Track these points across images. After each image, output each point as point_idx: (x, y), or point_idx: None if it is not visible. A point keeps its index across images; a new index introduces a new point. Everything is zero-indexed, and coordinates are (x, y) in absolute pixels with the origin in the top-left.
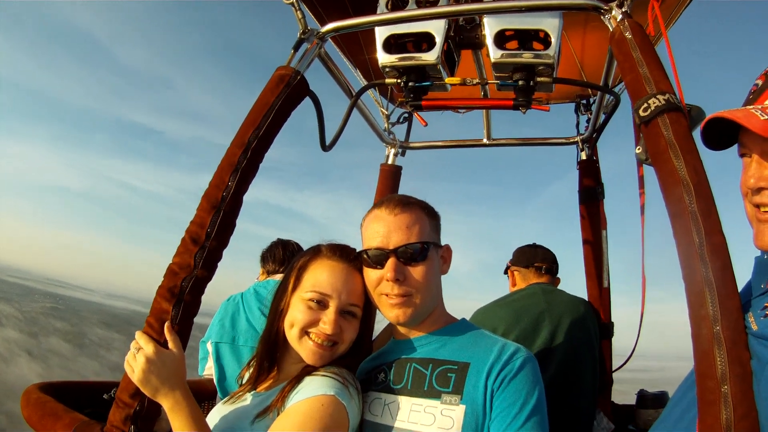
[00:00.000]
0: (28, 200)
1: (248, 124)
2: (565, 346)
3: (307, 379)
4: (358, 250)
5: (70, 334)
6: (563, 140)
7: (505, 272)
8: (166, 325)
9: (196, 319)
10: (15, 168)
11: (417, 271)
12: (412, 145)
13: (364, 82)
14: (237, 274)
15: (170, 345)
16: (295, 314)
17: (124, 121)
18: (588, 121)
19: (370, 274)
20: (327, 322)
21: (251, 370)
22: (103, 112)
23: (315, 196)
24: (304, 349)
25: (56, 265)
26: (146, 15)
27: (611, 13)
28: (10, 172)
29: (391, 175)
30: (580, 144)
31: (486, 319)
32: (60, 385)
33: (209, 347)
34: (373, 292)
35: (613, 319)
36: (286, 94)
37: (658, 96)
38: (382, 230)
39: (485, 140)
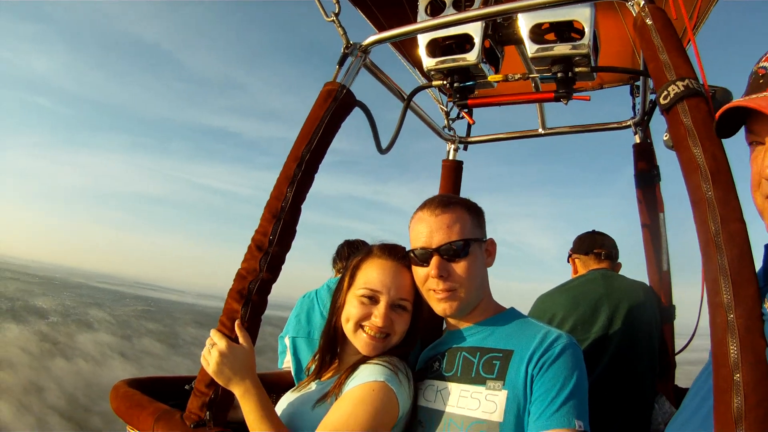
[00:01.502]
0: (108, 208)
1: (301, 139)
2: (623, 330)
3: (362, 367)
4: (407, 249)
5: (162, 335)
6: (616, 125)
7: (568, 261)
8: (237, 323)
9: (278, 313)
10: (91, 178)
11: (460, 267)
12: (471, 139)
13: (422, 80)
14: (320, 267)
15: (240, 340)
16: (350, 309)
17: (199, 126)
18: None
19: (418, 272)
20: (378, 315)
21: (316, 362)
22: (177, 120)
23: (399, 187)
24: (359, 341)
25: (145, 269)
26: (209, 20)
27: None
28: (86, 182)
29: (453, 171)
30: (633, 127)
31: (545, 305)
32: (146, 380)
33: (287, 342)
34: (421, 288)
35: (679, 302)
36: (335, 108)
37: (677, 82)
38: (425, 230)
39: (540, 130)
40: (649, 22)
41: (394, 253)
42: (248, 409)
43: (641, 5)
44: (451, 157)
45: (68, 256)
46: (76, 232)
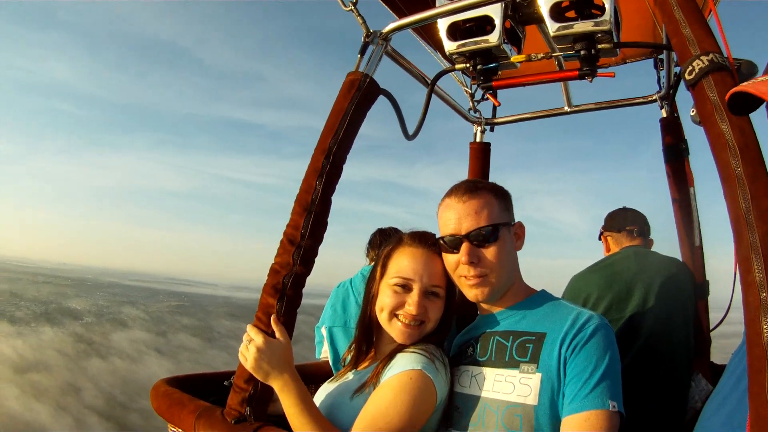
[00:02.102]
0: (136, 207)
1: (327, 131)
2: (659, 308)
3: (398, 356)
4: (436, 237)
5: (197, 329)
6: (642, 99)
7: (599, 239)
8: (273, 317)
9: (313, 302)
10: (118, 178)
11: (490, 252)
12: (497, 120)
13: (444, 64)
14: (353, 253)
15: (277, 335)
16: (384, 299)
17: (223, 120)
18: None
19: (449, 259)
20: (412, 303)
21: (352, 352)
22: (200, 115)
23: (425, 169)
24: (394, 330)
25: (177, 265)
26: (222, 13)
27: None
28: (114, 183)
29: (481, 153)
30: (659, 102)
31: (580, 286)
32: (185, 378)
33: (323, 332)
34: (452, 274)
35: (711, 276)
36: (359, 98)
37: (701, 57)
38: (453, 217)
39: (566, 108)
40: None
41: (425, 240)
42: (288, 402)
43: None
44: (478, 139)
45: (100, 257)
46: (106, 233)
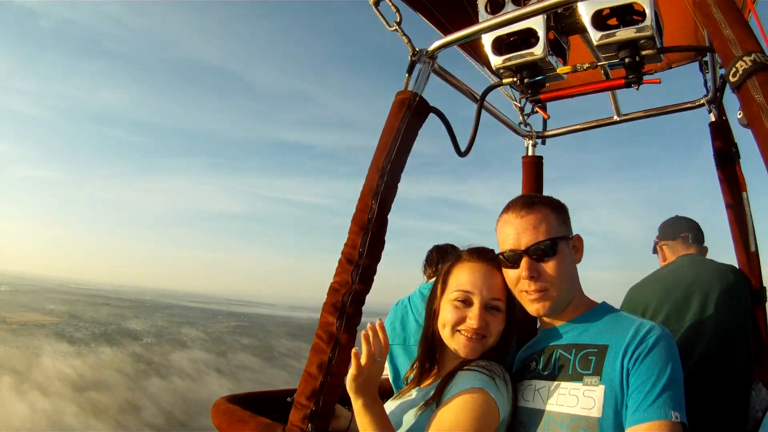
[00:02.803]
0: (192, 230)
1: (380, 150)
2: (717, 316)
3: (460, 374)
4: (496, 252)
5: (257, 349)
6: (690, 104)
7: (654, 250)
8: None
9: (372, 320)
10: (172, 202)
11: (550, 266)
12: (548, 133)
13: (492, 78)
14: (410, 270)
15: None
16: (445, 315)
17: (274, 142)
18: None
19: (509, 274)
20: (473, 317)
21: (415, 370)
22: (252, 138)
23: (479, 184)
24: (457, 345)
25: (235, 286)
26: (270, 35)
27: None
28: (168, 207)
29: (534, 167)
30: (707, 105)
31: (637, 297)
32: (245, 395)
33: None
34: (513, 289)
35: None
36: (409, 116)
37: (744, 58)
38: (512, 233)
39: (616, 117)
40: None
41: (483, 255)
42: (366, 421)
43: None
44: (530, 153)
45: (157, 279)
46: (163, 255)
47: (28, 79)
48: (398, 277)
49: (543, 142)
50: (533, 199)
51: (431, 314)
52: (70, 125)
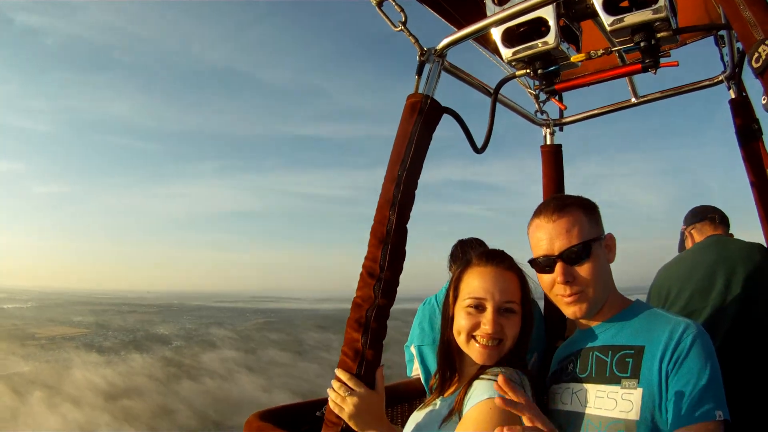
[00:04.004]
0: (212, 231)
1: (395, 159)
2: (742, 295)
3: (475, 384)
4: (528, 259)
5: (287, 344)
6: (708, 82)
7: (681, 241)
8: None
9: (402, 306)
10: (189, 206)
11: (584, 269)
12: (565, 120)
13: (506, 69)
14: (436, 253)
15: (377, 386)
16: (459, 322)
17: (289, 138)
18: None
19: (544, 279)
20: (487, 322)
21: (437, 380)
22: (266, 135)
23: (495, 164)
24: (473, 352)
25: (260, 283)
26: (277, 34)
27: None
28: (186, 210)
29: (553, 156)
30: (726, 82)
31: (664, 279)
32: (277, 410)
33: (413, 350)
34: (549, 293)
35: None
36: (422, 120)
37: (767, 42)
38: (545, 237)
39: (633, 99)
40: None
41: (492, 258)
42: None
43: None
44: (548, 142)
45: (183, 283)
46: (187, 259)
47: (37, 98)
48: (421, 264)
49: (560, 129)
50: (565, 201)
51: (447, 322)
52: (81, 138)
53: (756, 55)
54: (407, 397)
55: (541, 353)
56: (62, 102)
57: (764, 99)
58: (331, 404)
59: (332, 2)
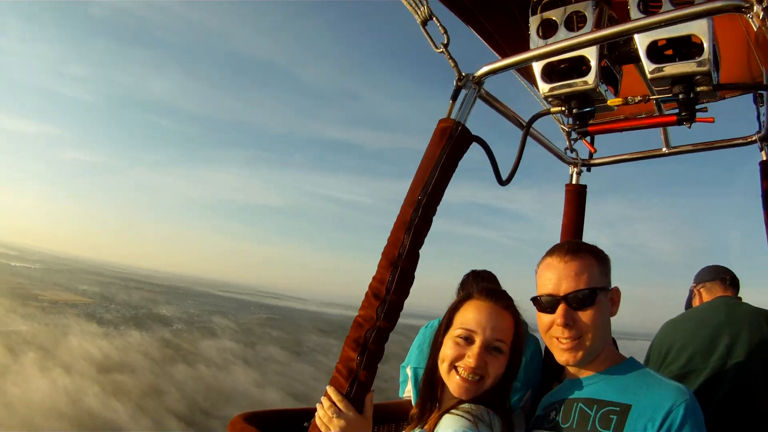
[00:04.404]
0: (232, 220)
1: (417, 182)
2: (744, 360)
3: (444, 418)
4: (531, 296)
5: (286, 342)
6: (742, 140)
7: (689, 301)
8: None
9: (406, 322)
10: (215, 192)
11: (586, 316)
12: (594, 162)
13: (542, 102)
14: (447, 273)
15: (365, 411)
16: (445, 350)
17: (319, 138)
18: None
19: (543, 319)
20: (472, 355)
21: (417, 408)
22: (297, 133)
23: (521, 191)
24: (452, 383)
25: (268, 278)
26: (320, 31)
27: (753, 10)
28: (210, 196)
29: (577, 196)
30: (759, 143)
31: (667, 335)
32: (263, 413)
33: (408, 372)
34: (544, 335)
35: None
36: (450, 146)
37: None
38: (553, 277)
39: (665, 149)
40: None
41: (493, 295)
42: None
43: (761, 18)
44: (574, 181)
45: (193, 266)
46: (201, 243)
47: (78, 65)
48: (432, 281)
49: (588, 170)
50: (579, 246)
51: (435, 349)
52: (117, 111)
53: None
54: (395, 417)
55: (536, 391)
56: (103, 73)
57: None
58: (317, 421)
59: (380, 4)
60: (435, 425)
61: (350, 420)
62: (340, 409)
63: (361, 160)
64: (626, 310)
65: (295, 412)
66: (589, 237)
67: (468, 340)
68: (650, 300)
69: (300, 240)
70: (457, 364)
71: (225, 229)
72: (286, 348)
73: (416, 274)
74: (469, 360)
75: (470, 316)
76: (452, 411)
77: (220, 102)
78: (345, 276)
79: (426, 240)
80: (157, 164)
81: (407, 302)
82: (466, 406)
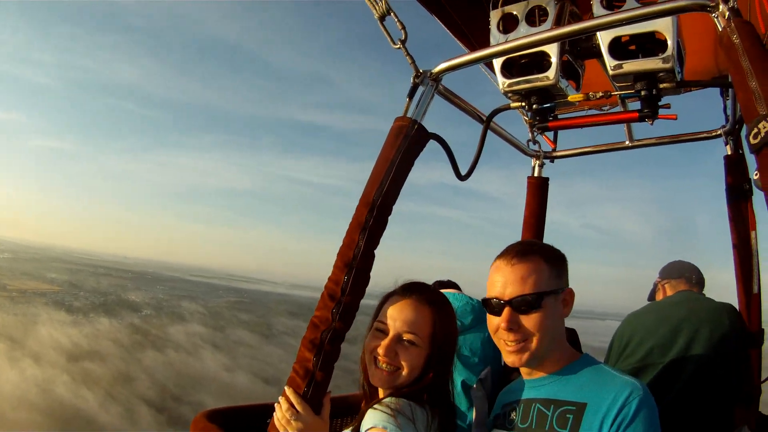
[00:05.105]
0: (201, 204)
1: (372, 183)
2: (702, 356)
3: (368, 412)
4: (482, 298)
5: (256, 325)
6: (707, 134)
7: (652, 293)
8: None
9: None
10: (183, 177)
11: (531, 320)
12: (557, 154)
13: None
14: (417, 254)
15: (323, 412)
16: (366, 341)
17: (288, 122)
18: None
19: (492, 321)
20: (382, 346)
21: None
22: (266, 117)
23: (489, 173)
24: (371, 373)
25: (238, 262)
26: (288, 16)
27: (718, 9)
28: (179, 181)
29: (539, 188)
30: (724, 137)
31: (629, 325)
32: (227, 410)
33: None
34: (493, 335)
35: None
36: (406, 145)
37: None
38: (499, 281)
39: (628, 142)
40: (736, 40)
41: (410, 290)
42: None
43: (726, 17)
44: (536, 174)
45: (162, 252)
46: (169, 229)
47: (43, 51)
48: (401, 260)
49: (551, 161)
50: (529, 248)
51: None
52: (84, 97)
53: (755, 130)
54: (356, 409)
55: (496, 373)
56: (69, 58)
57: (756, 175)
58: (276, 423)
59: None
60: (360, 420)
61: (307, 423)
62: (297, 411)
63: (331, 142)
64: (595, 290)
65: (256, 408)
66: (557, 218)
67: (383, 332)
68: (619, 280)
69: (269, 222)
70: (374, 354)
71: (195, 214)
72: (255, 331)
73: (381, 254)
74: (380, 350)
75: (388, 309)
76: (375, 406)
77: (189, 87)
78: (316, 257)
79: (397, 221)
80: (126, 150)
81: (378, 282)
82: (387, 400)
